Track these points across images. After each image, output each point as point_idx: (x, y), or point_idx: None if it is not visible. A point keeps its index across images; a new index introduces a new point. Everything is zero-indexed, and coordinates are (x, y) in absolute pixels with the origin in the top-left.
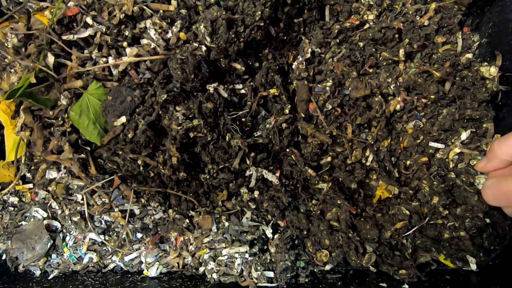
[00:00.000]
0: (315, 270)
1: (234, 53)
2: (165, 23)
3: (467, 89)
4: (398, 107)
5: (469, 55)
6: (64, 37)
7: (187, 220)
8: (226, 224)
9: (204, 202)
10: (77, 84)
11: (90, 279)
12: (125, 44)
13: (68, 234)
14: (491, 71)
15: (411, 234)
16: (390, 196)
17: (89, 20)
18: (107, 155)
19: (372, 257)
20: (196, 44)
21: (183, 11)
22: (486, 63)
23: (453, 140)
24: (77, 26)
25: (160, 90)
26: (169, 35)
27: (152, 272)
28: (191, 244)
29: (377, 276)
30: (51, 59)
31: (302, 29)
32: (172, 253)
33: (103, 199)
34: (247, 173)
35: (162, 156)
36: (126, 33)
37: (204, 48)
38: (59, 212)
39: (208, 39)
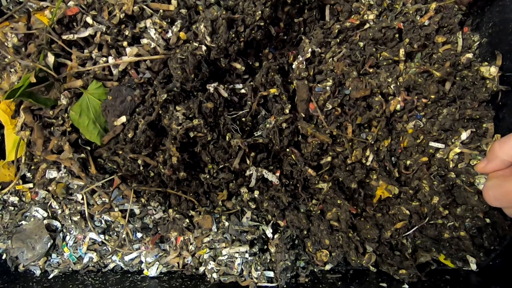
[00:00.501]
0: (315, 270)
1: (234, 53)
2: (165, 23)
3: (467, 89)
4: (398, 107)
5: (470, 55)
6: (64, 37)
7: (187, 220)
8: (226, 224)
9: (204, 202)
10: (77, 83)
11: (90, 279)
12: (125, 43)
13: (68, 233)
14: (491, 71)
15: (411, 234)
16: (390, 196)
17: (89, 19)
18: (107, 155)
19: (372, 257)
20: (196, 44)
21: (183, 11)
22: (486, 63)
23: (453, 140)
24: (77, 25)
25: (160, 90)
26: (169, 34)
27: (152, 271)
28: (191, 244)
29: (377, 276)
30: (51, 58)
31: (302, 28)
32: (172, 253)
33: (103, 199)
34: (247, 173)
35: (162, 156)
36: (126, 32)
37: (204, 47)
38: (59, 211)
39: (208, 38)
